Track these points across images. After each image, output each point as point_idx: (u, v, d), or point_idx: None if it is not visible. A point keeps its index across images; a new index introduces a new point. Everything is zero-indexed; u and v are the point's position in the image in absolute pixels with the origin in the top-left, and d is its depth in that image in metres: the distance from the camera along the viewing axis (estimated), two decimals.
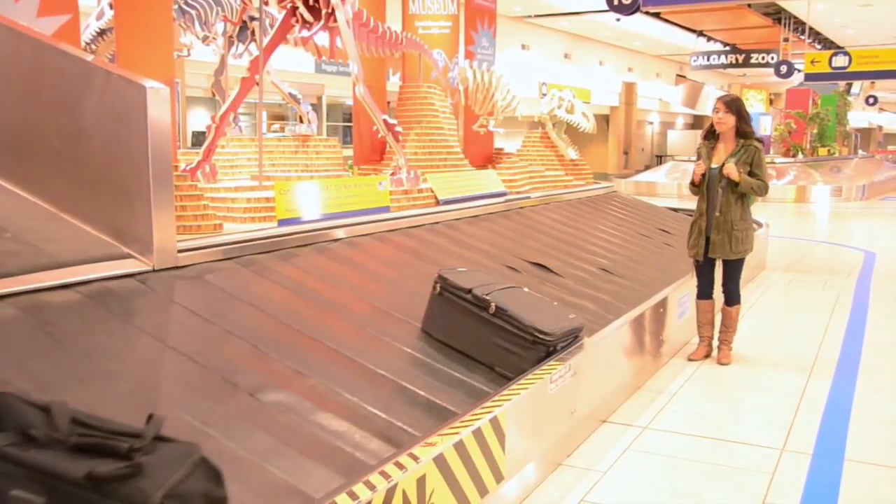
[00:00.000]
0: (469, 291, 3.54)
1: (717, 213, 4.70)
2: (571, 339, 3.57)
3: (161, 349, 2.83)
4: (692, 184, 4.86)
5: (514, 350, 3.38)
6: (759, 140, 4.80)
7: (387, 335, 3.51)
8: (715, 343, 5.01)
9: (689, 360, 4.89)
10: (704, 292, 4.99)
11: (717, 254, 4.76)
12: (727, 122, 4.69)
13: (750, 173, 4.65)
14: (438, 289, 3.65)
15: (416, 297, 3.96)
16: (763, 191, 4.70)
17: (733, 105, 4.70)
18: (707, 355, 4.95)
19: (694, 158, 4.99)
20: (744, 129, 4.71)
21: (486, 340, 3.43)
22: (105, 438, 1.62)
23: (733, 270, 4.87)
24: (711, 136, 4.83)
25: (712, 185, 4.74)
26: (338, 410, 2.74)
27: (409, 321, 3.72)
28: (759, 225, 8.60)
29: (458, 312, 3.54)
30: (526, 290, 3.87)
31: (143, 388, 2.56)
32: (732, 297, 4.91)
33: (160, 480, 1.56)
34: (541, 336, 3.36)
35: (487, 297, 3.49)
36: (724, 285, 4.93)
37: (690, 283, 5.18)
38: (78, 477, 1.53)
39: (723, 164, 4.66)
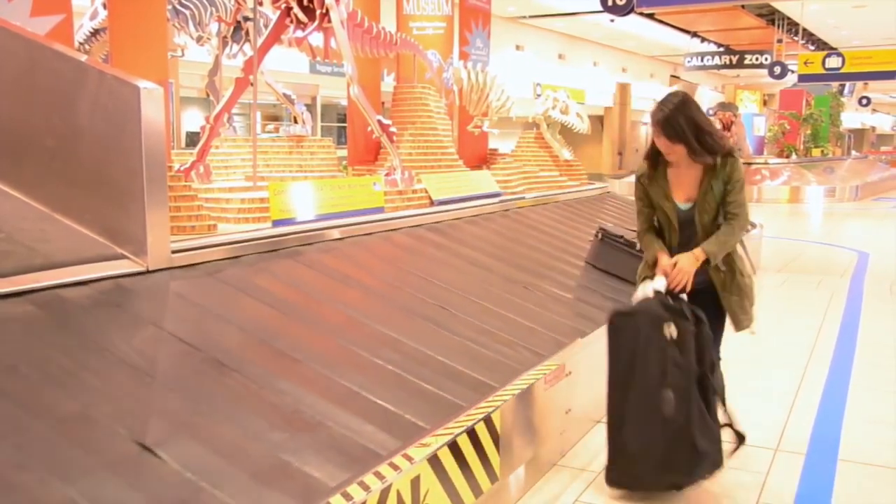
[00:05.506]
0: (622, 237, 5.34)
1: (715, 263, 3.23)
2: None
3: (158, 349, 2.82)
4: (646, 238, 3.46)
5: (651, 274, 4.22)
6: (730, 151, 3.17)
7: (391, 330, 3.51)
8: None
9: None
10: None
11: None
12: (677, 151, 3.12)
13: (724, 194, 3.17)
14: (601, 236, 5.48)
15: (414, 299, 3.96)
16: (745, 226, 3.24)
17: (673, 123, 3.06)
18: None
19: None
20: (705, 144, 3.08)
21: (634, 268, 4.22)
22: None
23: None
24: (656, 156, 3.24)
25: (686, 230, 3.28)
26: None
27: (417, 317, 3.72)
28: (754, 226, 8.62)
29: (614, 250, 5.34)
30: None
31: (139, 388, 2.56)
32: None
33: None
34: None
35: (634, 241, 4.76)
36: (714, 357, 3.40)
37: None
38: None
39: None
